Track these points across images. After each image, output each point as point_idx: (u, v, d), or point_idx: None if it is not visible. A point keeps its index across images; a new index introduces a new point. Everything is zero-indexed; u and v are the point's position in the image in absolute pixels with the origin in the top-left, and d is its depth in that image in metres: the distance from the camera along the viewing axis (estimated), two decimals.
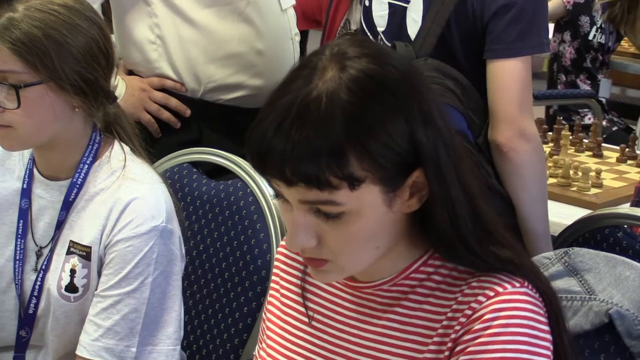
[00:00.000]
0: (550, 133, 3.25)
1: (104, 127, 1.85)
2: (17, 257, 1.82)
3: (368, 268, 1.29)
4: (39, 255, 1.82)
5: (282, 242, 1.48)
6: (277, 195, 1.23)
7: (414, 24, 2.18)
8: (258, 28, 2.41)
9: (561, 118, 3.40)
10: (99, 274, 1.77)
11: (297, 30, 2.55)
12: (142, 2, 2.41)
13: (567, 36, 4.58)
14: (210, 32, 2.39)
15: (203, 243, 2.13)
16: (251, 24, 2.40)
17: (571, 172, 2.80)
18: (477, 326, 1.23)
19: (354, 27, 3.29)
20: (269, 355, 1.42)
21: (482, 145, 2.12)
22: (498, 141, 2.09)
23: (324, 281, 1.38)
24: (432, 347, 1.27)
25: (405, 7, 2.20)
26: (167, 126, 2.46)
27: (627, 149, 3.12)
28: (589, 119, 4.33)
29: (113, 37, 2.12)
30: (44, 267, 1.80)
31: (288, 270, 1.45)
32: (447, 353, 1.26)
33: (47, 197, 1.83)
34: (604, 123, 4.36)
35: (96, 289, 1.77)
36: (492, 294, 1.24)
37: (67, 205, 1.80)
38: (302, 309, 1.40)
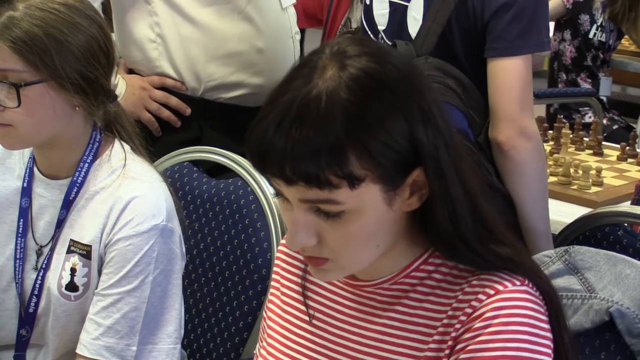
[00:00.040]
0: (551, 131, 3.25)
1: (104, 125, 1.85)
2: (18, 256, 1.82)
3: (368, 267, 1.29)
4: (39, 254, 1.82)
5: (283, 241, 1.48)
6: (278, 194, 1.23)
7: (414, 22, 2.18)
8: (258, 26, 2.41)
9: (562, 116, 3.41)
10: (100, 272, 1.77)
11: (297, 29, 2.54)
12: (142, 1, 2.41)
13: (567, 35, 4.58)
14: (211, 30, 2.39)
15: (203, 242, 2.13)
16: (251, 22, 2.40)
17: (572, 170, 2.80)
18: (478, 324, 1.23)
19: (354, 25, 3.29)
20: (269, 353, 1.42)
21: (482, 144, 2.12)
22: (499, 140, 2.09)
23: (324, 280, 1.38)
24: (432, 346, 1.27)
25: (406, 6, 2.20)
26: (168, 125, 2.46)
27: (627, 147, 3.12)
28: (589, 118, 4.33)
29: (113, 36, 2.12)
30: (44, 266, 1.80)
31: (289, 269, 1.45)
32: (447, 351, 1.26)
33: (47, 196, 1.83)
34: (605, 121, 4.36)
35: (96, 288, 1.77)
36: (492, 292, 1.24)
37: (68, 204, 1.80)
38: (303, 308, 1.40)
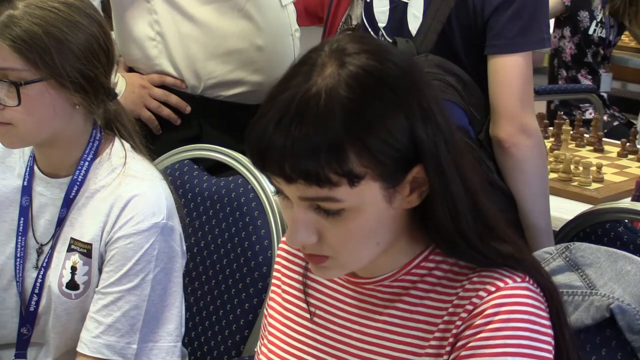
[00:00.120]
0: (551, 128, 3.25)
1: (104, 124, 1.85)
2: (18, 255, 1.82)
3: (369, 264, 1.29)
4: (39, 252, 1.82)
5: (283, 239, 1.47)
6: (278, 191, 1.23)
7: (414, 20, 2.18)
8: (258, 24, 2.41)
9: (562, 113, 3.40)
10: (100, 271, 1.77)
11: (297, 26, 2.54)
12: None
13: (566, 32, 4.58)
14: (210, 28, 2.39)
15: (204, 240, 2.13)
16: (251, 20, 2.40)
17: (572, 167, 2.80)
18: (479, 321, 1.23)
19: (355, 22, 3.30)
20: (270, 351, 1.42)
21: (483, 141, 2.12)
22: (499, 137, 2.09)
23: (324, 277, 1.38)
24: (433, 343, 1.27)
25: (406, 3, 2.20)
26: (168, 123, 2.45)
27: (628, 144, 3.12)
28: (590, 114, 4.33)
29: (113, 34, 2.12)
30: (44, 265, 1.80)
31: (289, 267, 1.45)
32: (448, 348, 1.26)
33: (47, 195, 1.83)
34: (605, 118, 4.36)
35: (97, 286, 1.77)
36: (493, 289, 1.24)
37: (68, 203, 1.80)
38: (304, 305, 1.40)
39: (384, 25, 2.27)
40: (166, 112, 2.44)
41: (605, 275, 1.59)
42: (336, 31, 3.35)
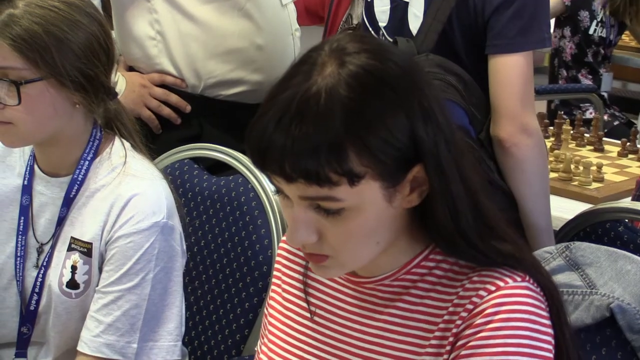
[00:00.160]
0: (552, 127, 3.25)
1: (104, 123, 1.85)
2: (18, 254, 1.82)
3: (369, 263, 1.29)
4: (40, 251, 1.82)
5: (284, 238, 1.47)
6: (278, 191, 1.23)
7: (415, 19, 2.18)
8: (258, 23, 2.41)
9: (562, 112, 3.40)
10: (100, 270, 1.77)
11: (297, 26, 2.54)
12: None
13: (567, 32, 4.58)
14: (211, 27, 2.39)
15: (204, 239, 2.13)
16: (251, 19, 2.40)
17: (572, 166, 2.80)
18: (479, 320, 1.23)
19: (355, 21, 3.29)
20: (270, 350, 1.42)
21: (484, 141, 2.12)
22: (500, 136, 2.09)
23: (325, 276, 1.38)
24: (433, 342, 1.27)
25: (407, 3, 2.20)
26: (168, 122, 2.45)
27: (628, 143, 3.12)
28: (590, 114, 4.33)
29: (113, 33, 2.12)
30: (45, 264, 1.80)
31: (290, 266, 1.45)
32: (448, 347, 1.26)
33: (47, 194, 1.83)
34: (605, 117, 4.36)
35: (97, 285, 1.77)
36: (493, 288, 1.24)
37: (68, 202, 1.80)
38: (304, 304, 1.40)
39: (384, 24, 2.27)
40: (166, 111, 2.44)
41: (606, 275, 1.59)
42: (337, 30, 3.35)
